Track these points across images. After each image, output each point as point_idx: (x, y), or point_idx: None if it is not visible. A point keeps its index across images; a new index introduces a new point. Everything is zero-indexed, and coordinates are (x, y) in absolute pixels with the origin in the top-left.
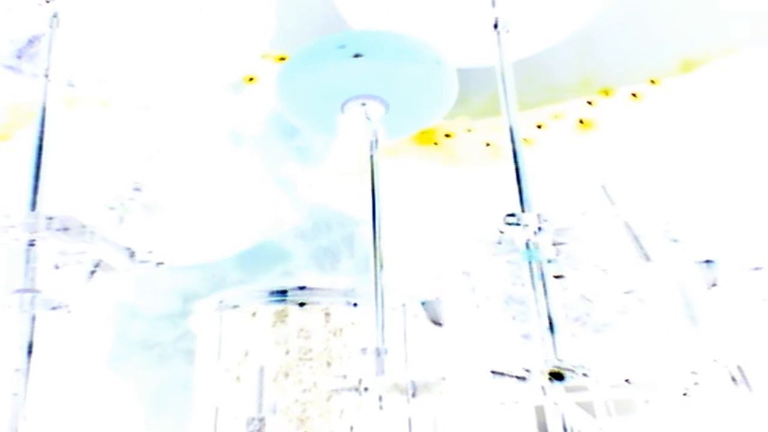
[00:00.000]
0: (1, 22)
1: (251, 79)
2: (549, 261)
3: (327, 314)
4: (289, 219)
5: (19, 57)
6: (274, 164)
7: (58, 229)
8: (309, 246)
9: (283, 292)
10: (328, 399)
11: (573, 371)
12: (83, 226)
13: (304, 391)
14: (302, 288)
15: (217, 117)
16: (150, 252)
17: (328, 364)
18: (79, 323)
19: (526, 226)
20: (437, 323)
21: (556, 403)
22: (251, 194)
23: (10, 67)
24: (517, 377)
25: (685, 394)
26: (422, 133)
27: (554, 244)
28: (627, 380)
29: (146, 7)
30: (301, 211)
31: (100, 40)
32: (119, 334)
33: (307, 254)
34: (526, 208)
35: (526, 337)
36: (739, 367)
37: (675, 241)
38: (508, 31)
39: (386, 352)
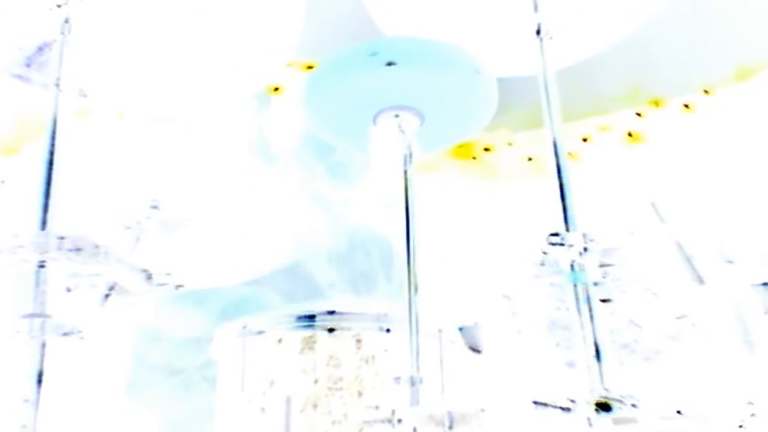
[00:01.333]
0: (9, 28)
1: (276, 89)
2: (595, 284)
3: (358, 341)
4: (323, 240)
5: (28, 65)
6: (306, 180)
7: (70, 250)
8: (344, 269)
9: (312, 317)
10: (360, 431)
11: (621, 402)
12: (97, 247)
13: (334, 423)
14: (332, 313)
15: (241, 129)
16: (168, 274)
17: (360, 394)
18: (93, 349)
19: (571, 246)
20: (476, 350)
21: None
22: (281, 212)
23: (19, 76)
24: (561, 408)
25: (741, 426)
26: (460, 146)
27: (601, 266)
28: (678, 412)
29: (164, 11)
30: (336, 232)
31: (115, 46)
32: (139, 360)
33: (342, 278)
34: (570, 227)
35: (570, 365)
36: None
37: (730, 262)
38: (551, 38)
39: (421, 381)
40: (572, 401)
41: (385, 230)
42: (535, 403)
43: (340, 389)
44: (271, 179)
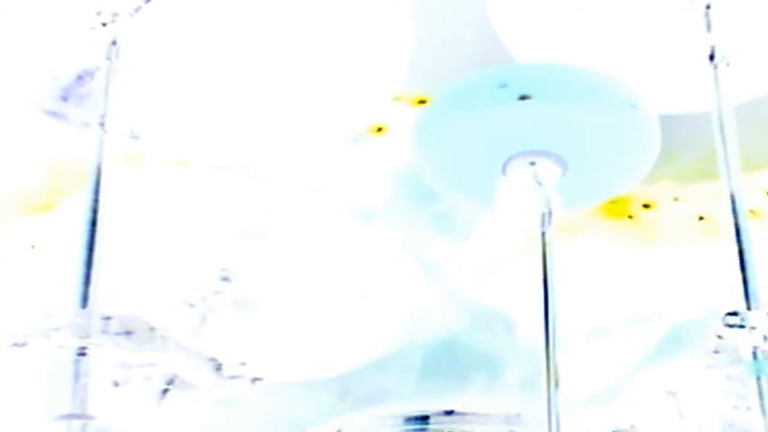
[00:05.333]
0: (41, 51)
1: (380, 130)
2: None
3: None
4: (437, 317)
5: (64, 99)
6: (414, 242)
7: (118, 333)
8: (462, 355)
9: (424, 419)
10: None
11: None
12: (152, 329)
13: None
14: (449, 413)
15: (333, 180)
16: (242, 364)
17: None
18: None
19: (753, 328)
20: None
21: None
22: (382, 284)
23: (53, 113)
24: None
25: None
26: (612, 202)
27: None
28: None
29: (235, 34)
30: (453, 307)
31: (175, 76)
32: None
33: (461, 366)
34: (752, 305)
35: None
36: None
37: None
38: (728, 64)
39: None
40: None
41: (513, 305)
42: None
43: None
44: (368, 241)
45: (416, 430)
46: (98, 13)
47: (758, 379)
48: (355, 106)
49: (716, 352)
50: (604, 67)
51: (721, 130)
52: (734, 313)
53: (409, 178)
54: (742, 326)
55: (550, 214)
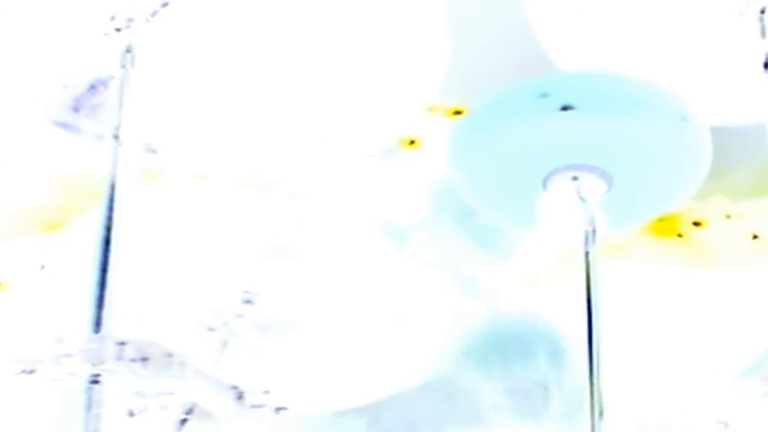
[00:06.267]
0: (50, 59)
1: (412, 142)
2: None
3: None
4: (477, 341)
5: (76, 110)
6: (450, 262)
7: (134, 360)
8: (502, 379)
9: None
10: None
11: None
12: (170, 355)
13: None
14: None
15: (363, 196)
16: (266, 392)
17: None
18: None
19: None
20: None
21: None
22: (417, 306)
23: (64, 125)
24: None
25: None
26: (660, 220)
27: None
28: None
29: (260, 36)
30: (494, 329)
31: (195, 84)
32: None
33: (499, 391)
34: None
35: None
36: None
37: None
38: None
39: None
40: None
41: (556, 330)
42: None
43: None
44: (402, 261)
45: None
46: (112, 18)
47: None
48: (386, 117)
49: None
50: (653, 75)
51: None
52: None
53: (444, 193)
54: None
55: (593, 232)
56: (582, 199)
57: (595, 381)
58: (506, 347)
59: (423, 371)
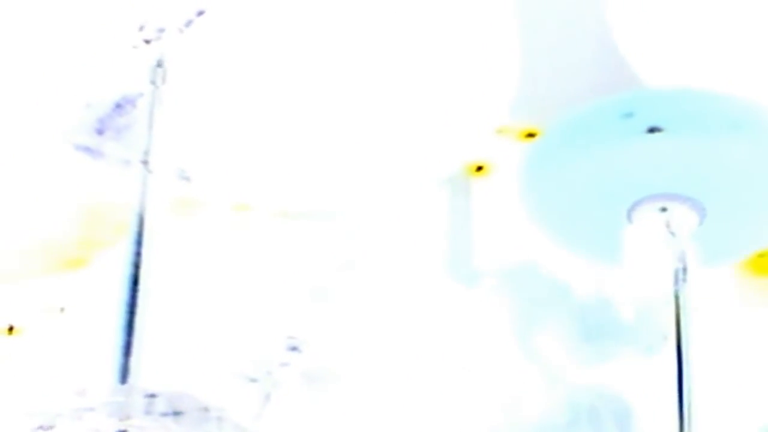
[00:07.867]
0: (72, 74)
1: (479, 169)
2: None
3: None
4: (534, 403)
5: (100, 132)
6: (524, 308)
7: (165, 414)
8: None
9: None
10: None
11: None
12: (206, 410)
13: None
14: None
15: (427, 231)
16: None
17: None
18: None
19: None
20: None
21: None
22: (483, 362)
23: (87, 149)
24: None
25: None
26: (760, 256)
27: None
28: None
29: (309, 50)
30: (554, 391)
31: (233, 104)
32: None
33: None
34: None
35: None
36: None
37: None
38: None
39: None
40: None
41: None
42: None
43: None
44: (470, 308)
45: None
46: (141, 29)
47: None
48: (451, 141)
49: None
50: (751, 93)
51: None
52: None
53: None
54: None
55: (685, 270)
56: (671, 232)
57: None
58: (568, 417)
59: (482, 427)
